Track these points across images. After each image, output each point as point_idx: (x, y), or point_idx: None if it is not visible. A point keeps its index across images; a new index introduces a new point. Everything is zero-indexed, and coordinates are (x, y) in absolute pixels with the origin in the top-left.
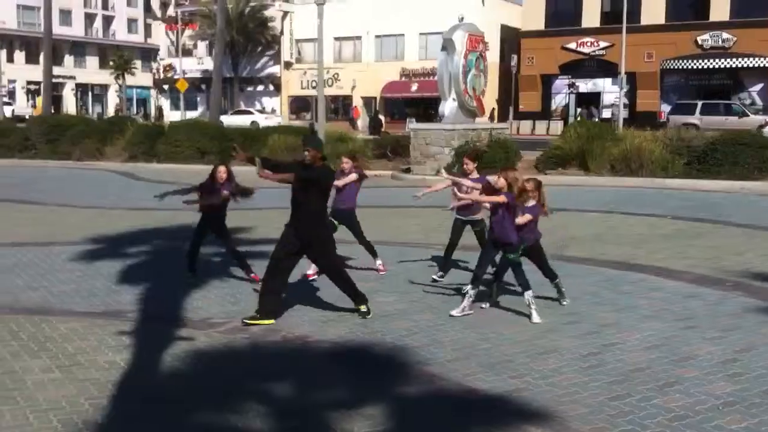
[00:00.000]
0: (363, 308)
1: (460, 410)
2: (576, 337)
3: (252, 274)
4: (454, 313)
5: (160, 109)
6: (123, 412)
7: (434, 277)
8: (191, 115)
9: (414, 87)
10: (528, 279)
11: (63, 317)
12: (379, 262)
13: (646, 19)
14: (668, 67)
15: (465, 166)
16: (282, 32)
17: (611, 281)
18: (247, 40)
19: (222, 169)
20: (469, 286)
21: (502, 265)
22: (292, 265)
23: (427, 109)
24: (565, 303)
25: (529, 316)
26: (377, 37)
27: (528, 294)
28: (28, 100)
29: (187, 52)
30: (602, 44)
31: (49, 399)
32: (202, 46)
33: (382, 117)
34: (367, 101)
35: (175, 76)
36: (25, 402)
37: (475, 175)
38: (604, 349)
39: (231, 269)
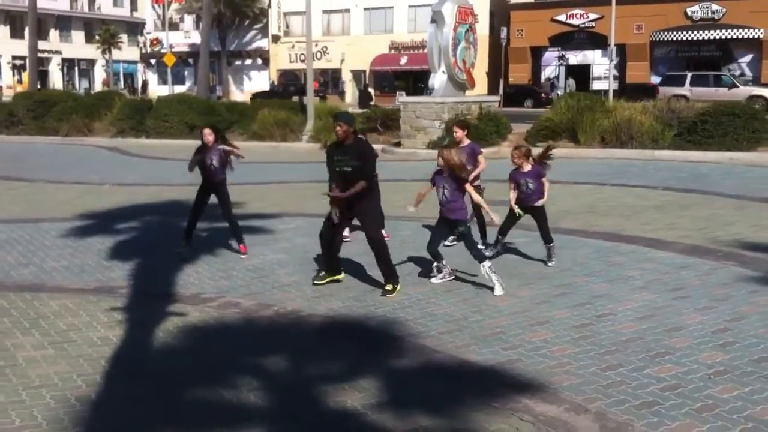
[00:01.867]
0: (389, 287)
1: (454, 382)
2: (568, 309)
3: (241, 245)
4: (434, 280)
5: (144, 84)
6: (116, 388)
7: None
8: (179, 89)
9: (403, 60)
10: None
11: (54, 294)
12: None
13: None
14: (658, 38)
15: (454, 134)
16: (269, 5)
17: (602, 252)
18: (234, 14)
19: (206, 131)
20: (434, 264)
21: (480, 229)
22: (341, 233)
23: (416, 82)
24: (551, 264)
25: (492, 288)
26: (366, 9)
27: (486, 265)
28: (13, 75)
29: (174, 26)
30: (592, 16)
31: (42, 376)
32: (189, 19)
33: (371, 90)
34: (357, 74)
35: (162, 51)
36: (17, 379)
37: (466, 141)
38: (596, 320)
39: (223, 244)
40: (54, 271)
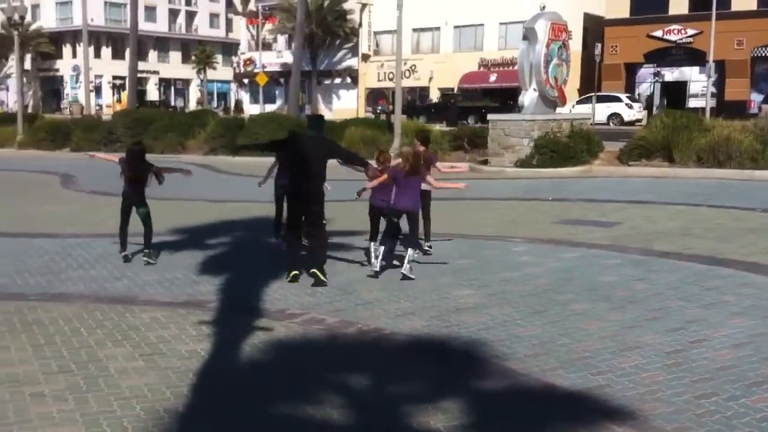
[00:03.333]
0: (312, 271)
1: (540, 406)
2: (660, 334)
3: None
4: (404, 272)
5: (237, 103)
6: (203, 401)
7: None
8: (270, 108)
9: (493, 77)
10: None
11: (145, 307)
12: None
13: (736, 5)
14: (759, 54)
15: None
16: (360, 24)
17: (698, 276)
18: (325, 33)
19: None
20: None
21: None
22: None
23: (506, 99)
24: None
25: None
26: (456, 27)
27: (379, 248)
28: (113, 95)
29: (267, 46)
30: (690, 32)
31: (132, 387)
32: (281, 39)
33: None
34: (445, 92)
35: (255, 70)
36: (109, 389)
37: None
38: (690, 346)
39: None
40: (146, 285)
